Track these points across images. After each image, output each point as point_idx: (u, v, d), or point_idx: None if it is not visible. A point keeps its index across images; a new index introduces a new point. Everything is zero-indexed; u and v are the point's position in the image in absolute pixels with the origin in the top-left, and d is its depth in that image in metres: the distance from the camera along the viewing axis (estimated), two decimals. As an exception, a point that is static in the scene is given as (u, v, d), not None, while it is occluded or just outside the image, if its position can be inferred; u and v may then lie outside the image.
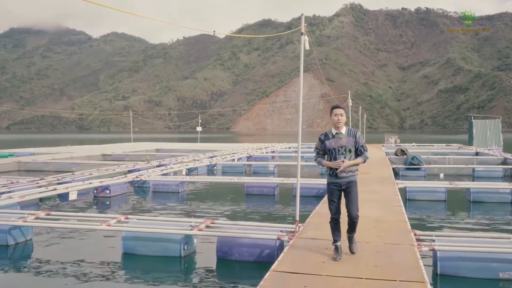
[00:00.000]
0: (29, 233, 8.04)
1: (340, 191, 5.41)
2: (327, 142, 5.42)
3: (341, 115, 5.41)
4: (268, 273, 4.92)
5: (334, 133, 5.42)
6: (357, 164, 5.40)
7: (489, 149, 28.78)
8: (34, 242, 8.03)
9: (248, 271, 6.48)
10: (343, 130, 5.43)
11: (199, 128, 48.64)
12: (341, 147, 5.34)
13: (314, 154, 5.69)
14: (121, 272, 6.52)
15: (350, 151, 5.35)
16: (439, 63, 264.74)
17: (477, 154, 25.88)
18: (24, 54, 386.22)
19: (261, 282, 4.64)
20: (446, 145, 33.85)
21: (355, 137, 5.39)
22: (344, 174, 5.33)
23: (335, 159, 5.35)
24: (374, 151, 26.44)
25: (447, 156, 22.97)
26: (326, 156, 5.52)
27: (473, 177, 18.41)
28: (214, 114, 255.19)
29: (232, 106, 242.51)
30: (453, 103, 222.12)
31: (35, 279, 6.23)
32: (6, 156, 25.79)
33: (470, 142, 35.00)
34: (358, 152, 5.41)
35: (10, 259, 7.23)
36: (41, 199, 11.86)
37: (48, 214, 8.37)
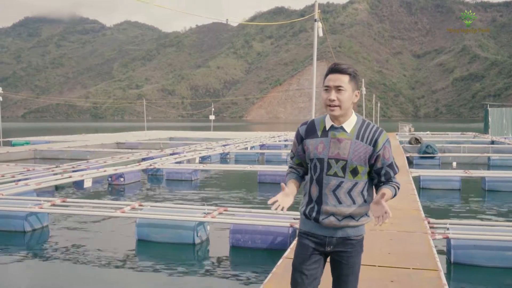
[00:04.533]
0: (45, 220, 8.16)
1: (324, 255, 2.64)
2: (309, 143, 2.59)
3: (340, 88, 2.46)
4: (280, 260, 4.93)
5: (327, 126, 2.56)
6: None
7: (505, 138, 28.40)
8: (50, 228, 8.15)
9: (260, 258, 6.51)
10: (349, 122, 2.54)
11: (212, 117, 48.71)
12: (337, 160, 2.49)
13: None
14: (135, 259, 6.60)
15: (355, 172, 2.49)
16: (455, 50, 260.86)
17: (492, 142, 25.57)
18: (39, 43, 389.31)
19: (274, 269, 4.66)
20: (461, 134, 33.48)
21: (375, 145, 2.49)
22: (334, 221, 2.53)
23: (319, 184, 2.54)
24: (387, 140, 26.26)
25: (462, 145, 22.73)
26: (306, 171, 2.74)
27: (488, 166, 18.20)
28: (227, 102, 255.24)
29: (245, 94, 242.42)
30: (469, 91, 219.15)
31: (51, 264, 6.34)
32: (22, 144, 26.14)
33: (485, 130, 34.59)
34: (383, 177, 2.58)
35: (27, 245, 7.36)
36: (56, 187, 12.02)
37: (64, 201, 8.49)
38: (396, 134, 32.94)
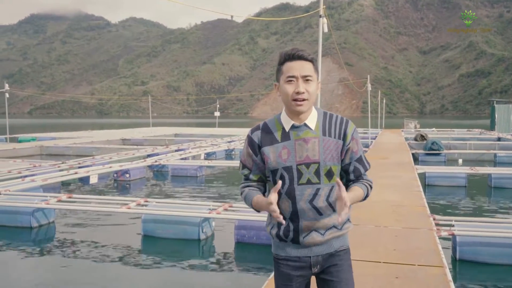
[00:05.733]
0: (52, 216, 8.21)
1: (308, 278, 2.24)
2: (268, 151, 2.13)
3: (308, 78, 2.07)
4: (285, 256, 4.93)
5: (287, 127, 2.14)
6: (357, 202, 2.16)
7: (511, 135, 28.24)
8: (56, 224, 8.20)
9: (265, 254, 6.50)
10: (311, 117, 2.14)
11: (217, 113, 48.64)
12: (307, 165, 2.08)
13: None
14: (140, 254, 6.63)
15: (330, 174, 2.10)
16: (461, 46, 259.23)
17: (499, 139, 25.42)
18: (45, 40, 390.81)
19: (279, 265, 4.66)
20: (467, 130, 33.33)
21: (344, 138, 2.12)
22: (317, 236, 2.12)
23: (291, 196, 2.10)
24: (393, 136, 26.22)
25: (468, 142, 22.61)
26: (266, 185, 2.27)
27: (494, 162, 18.12)
28: (232, 99, 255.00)
29: (250, 91, 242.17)
30: (475, 87, 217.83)
31: (58, 260, 6.38)
32: (29, 141, 26.27)
33: (492, 127, 34.38)
34: (352, 174, 2.19)
35: (33, 240, 7.41)
36: (62, 183, 12.07)
37: (70, 197, 8.53)
38: (402, 131, 32.83)
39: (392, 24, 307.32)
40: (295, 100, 2.06)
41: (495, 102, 36.71)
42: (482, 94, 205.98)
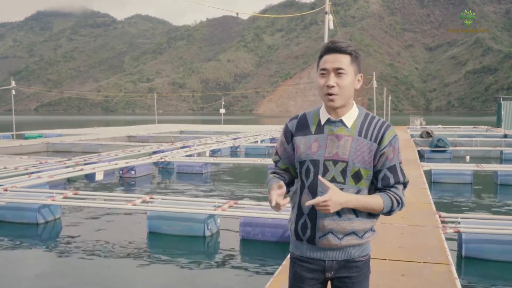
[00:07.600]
0: (58, 212, 8.25)
1: (324, 282, 2.15)
2: (300, 141, 2.11)
3: (340, 72, 1.99)
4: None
5: (322, 120, 2.09)
6: (369, 210, 2.06)
7: (518, 131, 28.06)
8: (62, 220, 8.24)
9: (271, 251, 6.52)
10: (350, 114, 2.07)
11: (222, 110, 48.71)
12: (335, 162, 2.00)
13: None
14: (146, 251, 6.66)
15: (357, 176, 2.01)
16: (468, 43, 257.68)
17: (505, 136, 25.29)
18: (51, 36, 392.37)
19: (284, 262, 4.67)
20: (473, 127, 33.16)
21: (380, 142, 2.03)
22: (333, 240, 2.03)
23: (313, 192, 2.03)
24: (399, 133, 26.00)
25: (474, 138, 22.53)
26: (292, 179, 2.23)
27: (501, 159, 18.04)
28: (237, 96, 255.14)
29: (255, 88, 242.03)
30: (481, 84, 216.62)
31: (63, 256, 6.42)
32: (35, 137, 26.41)
33: (498, 124, 34.20)
34: (380, 182, 2.05)
35: (39, 237, 7.45)
36: (68, 179, 12.13)
37: (76, 194, 8.58)
38: (408, 128, 32.72)
39: (398, 21, 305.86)
40: (327, 94, 2.02)
41: (501, 99, 36.52)
42: (488, 91, 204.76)
